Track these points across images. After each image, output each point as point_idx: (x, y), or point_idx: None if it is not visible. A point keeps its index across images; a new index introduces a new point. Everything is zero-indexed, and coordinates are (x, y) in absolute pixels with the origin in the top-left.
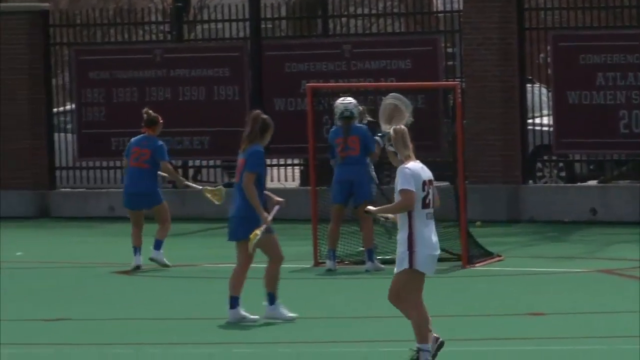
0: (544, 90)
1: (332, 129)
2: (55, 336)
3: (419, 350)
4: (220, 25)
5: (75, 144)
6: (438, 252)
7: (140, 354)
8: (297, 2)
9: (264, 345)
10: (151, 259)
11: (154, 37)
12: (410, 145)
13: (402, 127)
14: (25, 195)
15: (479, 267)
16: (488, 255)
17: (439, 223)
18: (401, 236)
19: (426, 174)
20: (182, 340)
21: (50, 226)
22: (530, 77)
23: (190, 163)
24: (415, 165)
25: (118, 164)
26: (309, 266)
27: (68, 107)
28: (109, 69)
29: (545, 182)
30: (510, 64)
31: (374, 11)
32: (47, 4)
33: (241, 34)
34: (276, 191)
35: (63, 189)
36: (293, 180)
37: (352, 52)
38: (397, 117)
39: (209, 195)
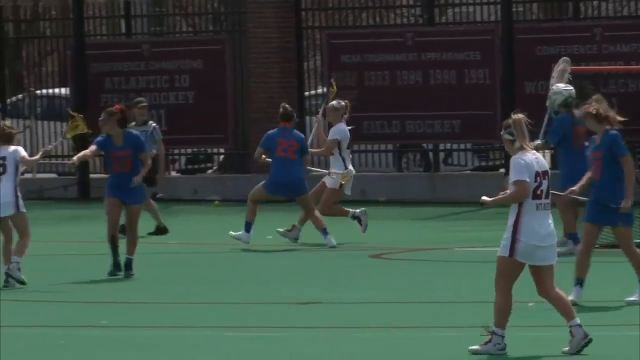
0: None
1: (562, 116)
2: (306, 319)
3: (494, 332)
4: (471, 9)
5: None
6: (548, 243)
7: (390, 337)
8: None
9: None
10: (330, 246)
11: (405, 20)
12: (527, 135)
13: (521, 115)
14: None
15: None
16: None
17: None
18: (508, 223)
19: (540, 165)
20: (430, 323)
21: None
22: None
23: (441, 146)
24: (530, 156)
25: (369, 147)
26: None
27: (319, 90)
28: (360, 53)
29: None
30: None
31: None
32: None
33: (492, 18)
34: None
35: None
36: None
37: (603, 35)
38: (565, 77)
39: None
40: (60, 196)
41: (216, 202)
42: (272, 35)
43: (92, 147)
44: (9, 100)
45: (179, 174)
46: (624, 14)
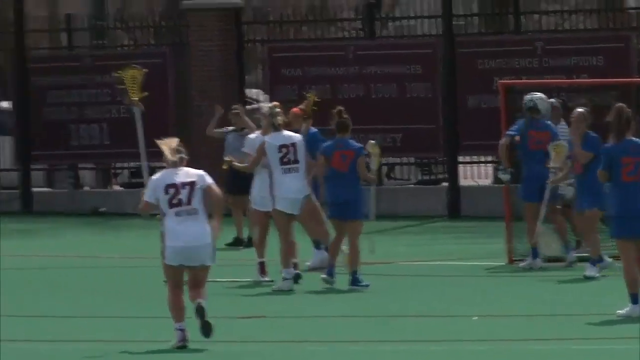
0: None
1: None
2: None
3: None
4: (413, 22)
5: None
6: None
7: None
8: None
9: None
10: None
11: (346, 34)
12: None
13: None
14: None
15: None
16: None
17: None
18: None
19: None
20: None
21: None
22: None
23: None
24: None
25: None
26: (502, 264)
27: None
28: (301, 66)
29: None
30: None
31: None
32: (240, 1)
33: (433, 31)
34: None
35: None
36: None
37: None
38: None
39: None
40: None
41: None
42: (213, 48)
43: None
44: None
45: (121, 188)
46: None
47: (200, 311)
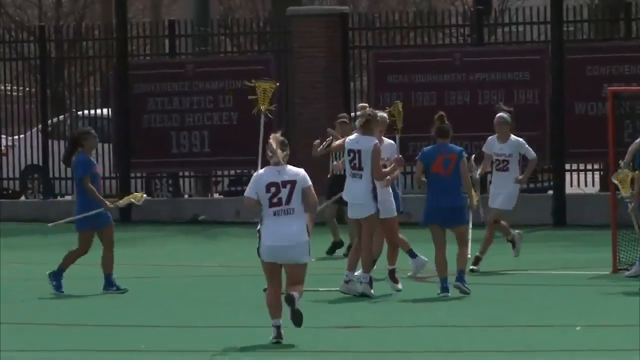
0: None
1: None
2: None
3: None
4: (521, 28)
5: None
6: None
7: None
8: (600, 5)
9: None
10: None
11: (453, 40)
12: None
13: None
14: None
15: None
16: None
17: None
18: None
19: None
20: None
21: None
22: None
23: None
24: None
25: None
26: (607, 273)
27: None
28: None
29: None
30: None
31: None
32: (345, 7)
33: (542, 37)
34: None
35: None
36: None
37: None
38: None
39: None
40: None
41: None
42: (318, 54)
43: None
44: (50, 121)
45: (221, 196)
46: None
47: (290, 300)
